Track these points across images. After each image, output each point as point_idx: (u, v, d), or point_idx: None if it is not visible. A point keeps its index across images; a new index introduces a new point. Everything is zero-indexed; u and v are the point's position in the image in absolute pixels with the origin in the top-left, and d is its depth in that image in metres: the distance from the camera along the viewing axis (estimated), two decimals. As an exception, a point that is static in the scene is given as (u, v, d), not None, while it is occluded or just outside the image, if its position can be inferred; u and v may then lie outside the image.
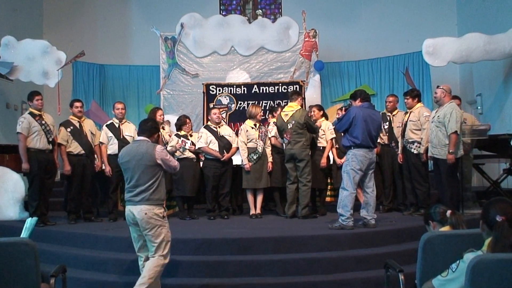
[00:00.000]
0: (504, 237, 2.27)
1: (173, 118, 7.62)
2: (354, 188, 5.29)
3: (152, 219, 3.85)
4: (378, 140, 6.60)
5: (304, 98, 8.22)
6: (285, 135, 6.21)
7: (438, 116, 5.75)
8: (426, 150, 6.04)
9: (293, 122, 6.09)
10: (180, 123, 6.62)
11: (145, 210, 3.84)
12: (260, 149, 6.40)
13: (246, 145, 6.42)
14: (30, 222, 3.38)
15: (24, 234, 3.30)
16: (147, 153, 3.89)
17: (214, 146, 6.43)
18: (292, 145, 6.10)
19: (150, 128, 4.09)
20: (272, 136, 6.59)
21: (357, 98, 5.50)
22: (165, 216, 3.98)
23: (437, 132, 5.73)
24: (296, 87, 8.46)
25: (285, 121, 6.20)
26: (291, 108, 6.22)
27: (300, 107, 6.29)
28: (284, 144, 6.32)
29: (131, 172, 3.92)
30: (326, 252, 4.81)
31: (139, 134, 4.12)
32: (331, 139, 6.41)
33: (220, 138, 6.48)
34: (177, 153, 6.41)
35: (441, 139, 5.70)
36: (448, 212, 3.32)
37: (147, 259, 3.99)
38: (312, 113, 6.64)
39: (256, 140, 6.41)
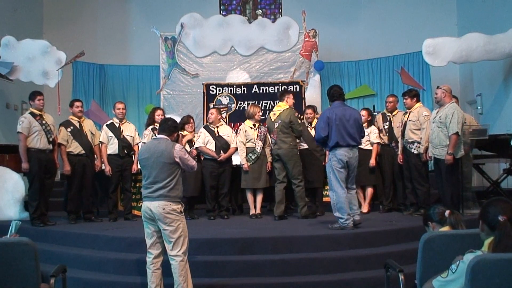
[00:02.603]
0: (506, 237, 2.27)
1: (173, 118, 7.59)
2: (343, 187, 5.22)
3: (169, 214, 3.90)
4: (378, 141, 6.63)
5: (304, 98, 8.24)
6: (271, 135, 6.21)
7: (439, 117, 5.75)
8: (426, 149, 6.04)
9: (279, 121, 6.08)
10: (183, 122, 6.62)
11: (163, 205, 3.91)
12: (258, 149, 6.40)
13: (244, 145, 6.42)
14: (15, 225, 3.39)
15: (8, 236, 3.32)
16: (166, 151, 3.96)
17: (211, 146, 6.45)
18: (278, 145, 6.09)
19: (169, 126, 4.19)
20: None
21: (334, 99, 5.41)
22: (182, 212, 4.01)
23: (439, 132, 5.73)
24: (295, 87, 8.47)
25: (272, 120, 6.20)
26: (279, 108, 6.20)
27: (288, 106, 6.18)
28: (272, 144, 6.32)
29: (150, 169, 4.01)
30: (326, 252, 4.81)
31: (159, 133, 4.23)
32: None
33: (217, 138, 6.49)
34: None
35: (442, 140, 5.70)
36: (447, 212, 3.32)
37: (157, 257, 4.04)
38: (307, 114, 6.66)
39: (254, 140, 6.40)
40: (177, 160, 3.96)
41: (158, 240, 4.05)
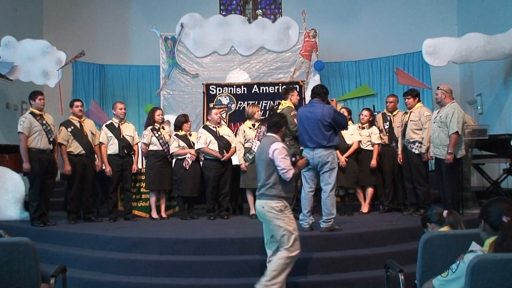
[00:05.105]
0: (510, 238, 2.27)
1: (173, 118, 7.62)
2: (307, 186, 5.11)
3: (269, 212, 3.90)
4: (379, 141, 6.61)
5: (304, 98, 8.22)
6: None
7: (440, 117, 5.76)
8: (428, 149, 6.04)
9: None
10: (181, 122, 6.62)
11: (262, 204, 3.94)
12: (256, 149, 6.37)
13: (243, 145, 6.42)
14: None
15: None
16: (265, 149, 3.97)
17: (214, 146, 6.43)
18: None
19: (274, 123, 4.17)
20: None
21: (312, 96, 5.28)
22: (283, 210, 3.93)
23: (439, 132, 5.74)
24: (295, 87, 8.45)
25: None
26: (281, 107, 6.11)
27: (288, 105, 5.98)
28: None
29: (257, 167, 4.10)
30: (326, 252, 4.80)
31: (267, 131, 4.26)
32: None
33: (219, 138, 6.48)
34: (178, 152, 6.44)
35: (443, 139, 5.70)
36: (445, 212, 3.33)
37: (273, 256, 4.02)
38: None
39: (252, 140, 6.39)
40: (271, 157, 3.91)
41: (273, 239, 4.03)
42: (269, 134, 4.17)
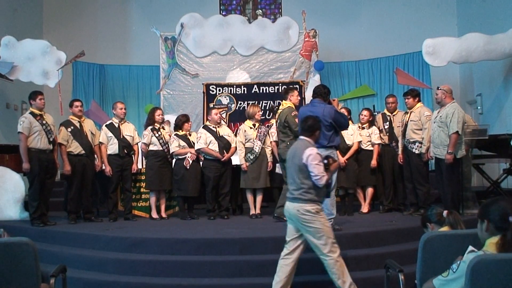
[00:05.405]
0: None
1: (173, 118, 7.62)
2: None
3: (304, 215, 3.89)
4: (379, 141, 6.61)
5: (304, 98, 8.22)
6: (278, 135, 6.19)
7: (440, 116, 5.76)
8: (428, 149, 6.04)
9: (279, 121, 5.95)
10: (182, 122, 6.61)
11: (297, 207, 3.91)
12: (257, 149, 6.37)
13: (244, 145, 6.42)
14: None
15: None
16: (298, 153, 3.95)
17: (214, 146, 6.43)
18: (279, 145, 5.98)
19: (309, 126, 4.13)
20: (274, 141, 6.39)
21: (313, 96, 5.29)
22: (318, 212, 3.92)
23: (440, 132, 5.74)
24: (295, 87, 8.44)
25: (276, 120, 6.17)
26: (281, 107, 6.06)
27: (289, 105, 5.95)
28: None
29: (289, 170, 4.09)
30: (326, 252, 4.80)
31: (300, 134, 4.22)
32: None
33: (219, 138, 6.48)
34: (178, 151, 6.44)
35: (443, 139, 5.71)
36: (445, 212, 3.33)
37: (290, 254, 4.03)
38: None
39: (253, 140, 6.39)
40: (305, 162, 3.88)
41: (296, 239, 4.02)
42: (302, 137, 4.13)
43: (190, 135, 6.66)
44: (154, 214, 6.55)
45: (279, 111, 6.10)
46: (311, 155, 3.87)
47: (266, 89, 8.74)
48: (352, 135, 6.51)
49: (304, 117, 4.29)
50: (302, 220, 3.90)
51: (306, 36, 9.13)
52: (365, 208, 6.62)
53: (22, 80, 8.07)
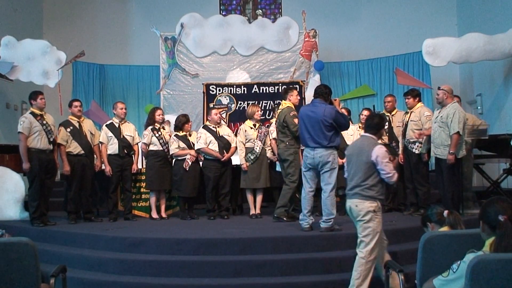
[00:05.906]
0: (507, 237, 2.27)
1: (173, 118, 7.62)
2: (308, 186, 5.18)
3: (361, 211, 3.91)
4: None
5: (304, 99, 8.22)
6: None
7: (441, 117, 5.76)
8: (428, 149, 6.04)
9: (278, 121, 5.96)
10: (182, 122, 6.60)
11: (356, 202, 3.94)
12: (257, 150, 6.37)
13: (244, 145, 6.42)
14: None
15: None
16: (365, 150, 3.94)
17: (214, 146, 6.43)
18: (278, 145, 5.98)
19: (375, 124, 4.14)
20: (273, 139, 6.40)
21: (314, 96, 5.30)
22: (376, 211, 3.93)
23: (440, 132, 5.74)
24: (295, 87, 8.44)
25: (275, 119, 6.16)
26: (281, 107, 6.06)
27: (288, 105, 5.94)
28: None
29: (351, 166, 4.06)
30: (326, 252, 4.81)
31: (365, 131, 4.22)
32: None
33: (219, 138, 6.48)
34: (178, 153, 6.45)
35: (444, 140, 5.70)
36: (445, 212, 3.33)
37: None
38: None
39: (254, 140, 6.39)
40: (374, 160, 3.89)
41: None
42: (367, 134, 4.13)
43: (190, 135, 6.65)
44: (154, 214, 6.55)
45: (278, 111, 6.10)
46: (381, 153, 3.89)
47: (266, 89, 8.75)
48: (352, 135, 6.50)
49: (370, 115, 4.31)
50: (357, 215, 3.93)
51: (306, 36, 9.13)
52: (365, 208, 6.61)
53: (22, 80, 8.07)
